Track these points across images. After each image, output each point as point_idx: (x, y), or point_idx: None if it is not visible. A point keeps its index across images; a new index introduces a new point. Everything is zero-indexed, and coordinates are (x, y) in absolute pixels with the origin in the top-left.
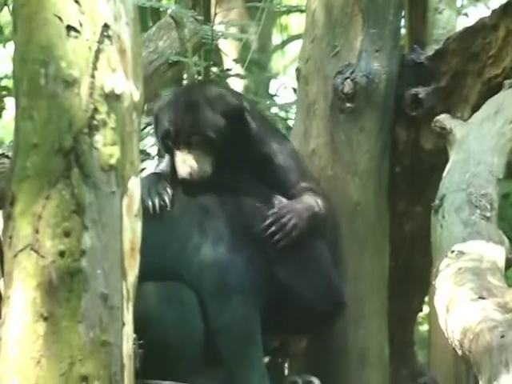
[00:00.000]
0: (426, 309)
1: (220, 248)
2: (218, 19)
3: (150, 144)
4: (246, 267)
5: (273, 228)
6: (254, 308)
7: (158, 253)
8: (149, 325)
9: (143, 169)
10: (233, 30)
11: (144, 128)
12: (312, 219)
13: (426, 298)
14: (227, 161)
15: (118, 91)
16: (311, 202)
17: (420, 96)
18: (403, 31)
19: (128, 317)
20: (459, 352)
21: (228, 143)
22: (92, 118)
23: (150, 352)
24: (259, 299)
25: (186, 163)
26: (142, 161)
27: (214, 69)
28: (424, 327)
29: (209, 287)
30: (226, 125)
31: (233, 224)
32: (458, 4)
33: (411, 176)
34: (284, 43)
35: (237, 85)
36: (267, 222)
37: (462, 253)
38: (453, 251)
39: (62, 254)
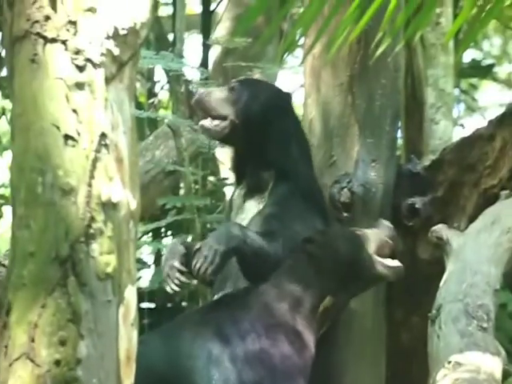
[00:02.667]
0: None
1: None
2: None
3: (147, 253)
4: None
5: (198, 264)
6: None
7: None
8: None
9: (139, 277)
10: None
11: (141, 237)
12: (230, 241)
13: None
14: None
15: (114, 200)
16: (233, 229)
17: (417, 206)
18: (400, 141)
19: None
20: None
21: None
22: (89, 226)
23: None
24: None
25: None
26: (139, 270)
27: (211, 178)
28: None
29: None
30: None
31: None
32: (455, 115)
33: (408, 286)
34: None
35: None
36: (193, 262)
37: (458, 364)
38: (449, 362)
39: (57, 362)
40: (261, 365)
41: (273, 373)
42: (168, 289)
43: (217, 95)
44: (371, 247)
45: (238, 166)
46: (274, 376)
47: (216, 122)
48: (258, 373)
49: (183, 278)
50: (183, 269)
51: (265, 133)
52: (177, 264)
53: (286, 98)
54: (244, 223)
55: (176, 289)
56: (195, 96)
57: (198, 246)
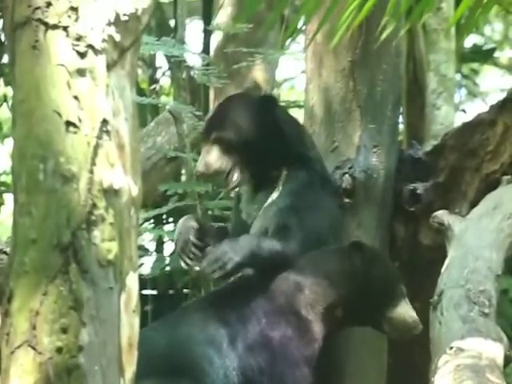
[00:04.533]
0: None
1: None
2: None
3: (149, 239)
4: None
5: (206, 263)
6: None
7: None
8: None
9: (141, 264)
10: None
11: (142, 223)
12: (249, 254)
13: None
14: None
15: (116, 186)
16: (249, 242)
17: (418, 191)
18: (401, 127)
19: None
20: None
21: (253, 144)
22: (90, 213)
23: None
24: None
25: (204, 158)
26: (140, 256)
27: None
28: None
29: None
30: (252, 120)
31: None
32: (456, 100)
33: (410, 271)
34: None
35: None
36: (206, 260)
37: (460, 349)
38: (451, 348)
39: (59, 350)
40: (264, 350)
41: (276, 358)
42: (182, 264)
43: (211, 159)
44: (401, 305)
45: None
46: (278, 361)
47: (229, 179)
48: (260, 357)
49: (198, 253)
50: (198, 243)
51: (264, 145)
52: (192, 238)
53: (264, 104)
54: (255, 214)
55: (191, 263)
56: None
57: (212, 247)
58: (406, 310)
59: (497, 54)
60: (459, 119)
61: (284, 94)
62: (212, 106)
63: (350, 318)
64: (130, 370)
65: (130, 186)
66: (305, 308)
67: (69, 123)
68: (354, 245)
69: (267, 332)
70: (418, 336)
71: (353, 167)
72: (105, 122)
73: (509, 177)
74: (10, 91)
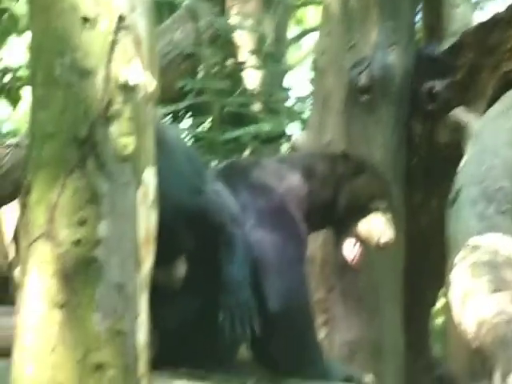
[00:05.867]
0: (441, 301)
1: None
2: (233, 11)
3: None
4: None
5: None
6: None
7: None
8: None
9: None
10: (248, 22)
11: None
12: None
13: (441, 291)
14: None
15: (133, 82)
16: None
17: (436, 89)
18: (419, 25)
19: (142, 306)
20: (474, 344)
21: None
22: (107, 108)
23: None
24: None
25: None
26: None
27: (229, 61)
28: (439, 320)
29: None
30: None
31: None
32: None
33: (427, 169)
34: (300, 36)
35: (252, 76)
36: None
37: (477, 246)
38: (468, 245)
39: (77, 242)
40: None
41: (275, 257)
42: None
43: None
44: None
45: None
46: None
47: None
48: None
49: None
50: None
51: None
52: None
53: None
54: None
55: None
56: None
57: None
58: (378, 220)
59: None
60: (477, 18)
61: None
62: (229, 2)
63: (324, 223)
64: (147, 263)
65: (146, 81)
66: (293, 207)
67: (85, 19)
68: (341, 154)
69: (261, 231)
70: (435, 232)
71: (370, 65)
72: (121, 17)
73: None
74: None
